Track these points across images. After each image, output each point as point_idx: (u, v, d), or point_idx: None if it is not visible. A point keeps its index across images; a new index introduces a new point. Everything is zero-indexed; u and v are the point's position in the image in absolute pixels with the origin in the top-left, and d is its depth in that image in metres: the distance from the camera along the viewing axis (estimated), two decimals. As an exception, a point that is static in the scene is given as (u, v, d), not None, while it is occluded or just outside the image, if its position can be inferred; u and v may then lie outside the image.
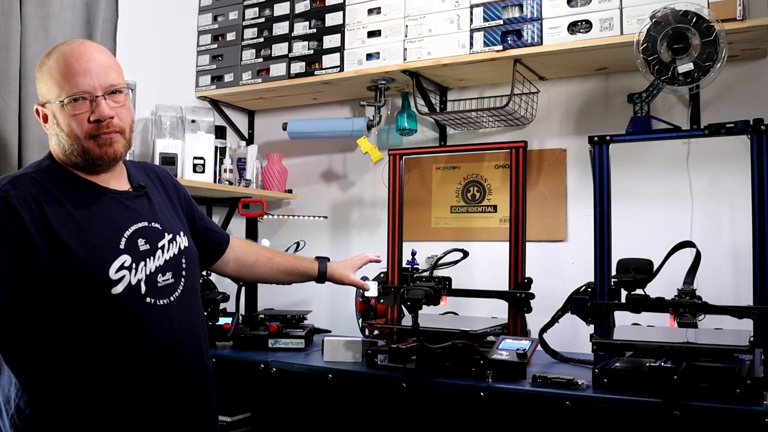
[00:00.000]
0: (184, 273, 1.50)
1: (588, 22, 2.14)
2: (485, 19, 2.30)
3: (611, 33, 2.10)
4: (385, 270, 2.26)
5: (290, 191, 2.97)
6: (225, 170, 2.69)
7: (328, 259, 2.02)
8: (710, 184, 2.25)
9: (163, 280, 1.44)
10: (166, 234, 1.49)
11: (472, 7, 2.32)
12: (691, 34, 1.84)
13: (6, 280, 1.27)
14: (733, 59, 2.15)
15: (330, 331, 2.53)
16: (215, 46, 2.86)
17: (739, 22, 1.93)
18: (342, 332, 2.39)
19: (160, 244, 1.46)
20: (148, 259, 1.42)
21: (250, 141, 3.09)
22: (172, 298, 1.44)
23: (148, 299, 1.39)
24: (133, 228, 1.43)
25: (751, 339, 1.68)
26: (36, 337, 1.33)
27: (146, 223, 1.46)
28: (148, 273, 1.41)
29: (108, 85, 1.40)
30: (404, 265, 2.27)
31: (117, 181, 1.49)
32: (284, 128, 2.79)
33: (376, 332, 2.20)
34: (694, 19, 1.83)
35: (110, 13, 2.34)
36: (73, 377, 1.33)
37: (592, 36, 2.13)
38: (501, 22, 2.27)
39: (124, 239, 1.39)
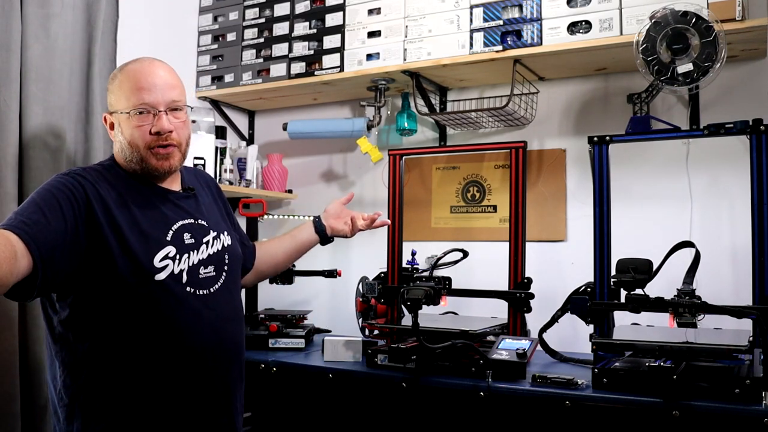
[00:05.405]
0: (226, 268, 1.60)
1: (588, 22, 2.14)
2: (485, 20, 2.30)
3: (611, 33, 2.10)
4: (385, 270, 2.27)
5: (290, 191, 2.97)
6: (225, 170, 2.69)
7: (318, 218, 2.00)
8: (710, 184, 2.26)
9: (204, 273, 1.54)
10: (211, 231, 1.60)
11: (472, 7, 2.32)
12: (690, 35, 1.84)
13: (65, 241, 1.35)
14: (733, 59, 2.15)
15: (330, 331, 2.53)
16: (215, 46, 2.86)
17: (738, 23, 1.93)
18: (342, 332, 2.39)
19: (204, 240, 1.57)
20: (191, 252, 1.52)
21: (250, 141, 3.09)
22: (211, 290, 1.55)
23: (188, 288, 1.49)
24: (180, 223, 1.54)
25: (751, 339, 1.68)
26: (83, 315, 1.42)
27: (192, 220, 1.58)
28: (190, 264, 1.51)
29: (170, 101, 1.53)
30: (404, 265, 2.28)
31: (170, 183, 1.61)
32: (284, 128, 2.79)
33: (376, 332, 2.21)
34: (694, 20, 1.83)
35: (111, 13, 2.34)
36: (115, 357, 1.42)
37: (591, 36, 2.13)
38: (501, 22, 2.27)
39: (171, 232, 1.51)
